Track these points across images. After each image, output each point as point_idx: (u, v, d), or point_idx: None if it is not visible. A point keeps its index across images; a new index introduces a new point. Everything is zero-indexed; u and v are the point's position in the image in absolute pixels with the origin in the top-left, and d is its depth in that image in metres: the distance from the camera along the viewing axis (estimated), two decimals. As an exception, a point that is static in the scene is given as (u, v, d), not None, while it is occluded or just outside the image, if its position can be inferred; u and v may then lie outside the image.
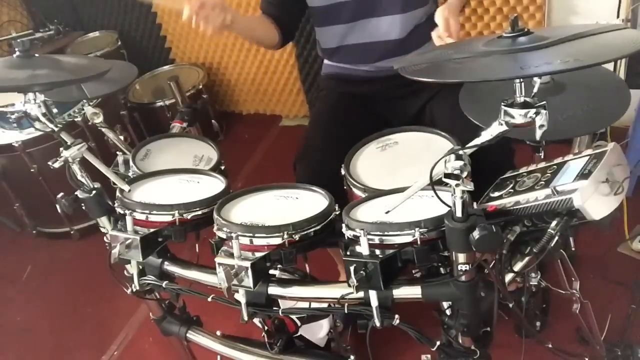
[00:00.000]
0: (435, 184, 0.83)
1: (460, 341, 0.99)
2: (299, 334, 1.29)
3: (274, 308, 1.08)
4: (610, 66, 1.81)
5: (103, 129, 1.37)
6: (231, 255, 0.97)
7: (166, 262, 1.21)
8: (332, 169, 1.22)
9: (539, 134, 0.74)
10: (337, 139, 1.44)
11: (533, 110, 0.73)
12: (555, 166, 0.90)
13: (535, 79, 0.80)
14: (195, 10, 1.21)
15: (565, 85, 1.03)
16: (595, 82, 1.08)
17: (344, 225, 0.98)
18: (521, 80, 0.74)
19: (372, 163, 1.23)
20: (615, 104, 1.01)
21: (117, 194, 1.18)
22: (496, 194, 0.93)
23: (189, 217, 1.11)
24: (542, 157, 1.17)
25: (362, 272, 0.90)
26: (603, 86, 1.07)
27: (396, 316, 0.96)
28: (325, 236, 1.03)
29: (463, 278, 0.90)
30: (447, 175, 0.79)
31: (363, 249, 0.92)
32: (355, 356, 1.17)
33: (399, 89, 1.52)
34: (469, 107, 1.09)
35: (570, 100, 1.01)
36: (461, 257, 0.87)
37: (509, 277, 1.02)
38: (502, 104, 0.76)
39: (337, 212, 1.05)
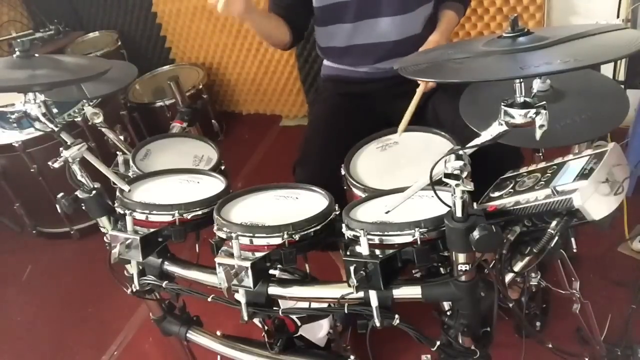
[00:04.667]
0: (435, 184, 0.83)
1: (460, 341, 0.99)
2: (299, 334, 1.29)
3: (274, 308, 1.08)
4: (610, 66, 1.81)
5: (103, 129, 1.37)
6: (231, 255, 0.97)
7: (166, 262, 1.20)
8: (332, 173, 1.22)
9: (538, 133, 0.74)
10: (336, 144, 1.43)
11: (533, 111, 0.73)
12: (555, 166, 0.90)
13: (535, 79, 0.80)
14: None
15: (564, 94, 1.03)
16: (594, 90, 1.08)
17: (344, 225, 0.98)
18: (521, 80, 0.74)
19: (372, 163, 1.23)
20: (613, 111, 1.01)
21: (117, 194, 1.18)
22: (496, 194, 0.93)
23: (189, 217, 1.11)
24: (542, 157, 1.18)
25: (362, 272, 0.90)
26: (601, 94, 1.08)
27: (396, 316, 0.96)
28: (325, 236, 1.03)
29: (463, 278, 0.90)
30: (447, 175, 0.79)
31: (363, 249, 0.91)
32: (355, 356, 1.17)
33: (398, 88, 1.52)
34: (469, 113, 1.09)
35: (568, 108, 1.01)
36: (461, 257, 0.87)
37: (509, 277, 1.02)
38: (502, 104, 0.76)
39: (337, 212, 1.05)
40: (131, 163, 1.34)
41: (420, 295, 0.96)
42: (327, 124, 1.56)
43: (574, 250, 0.96)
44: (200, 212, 1.12)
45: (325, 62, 1.72)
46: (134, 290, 1.23)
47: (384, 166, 1.21)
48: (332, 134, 1.50)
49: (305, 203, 1.11)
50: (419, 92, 1.31)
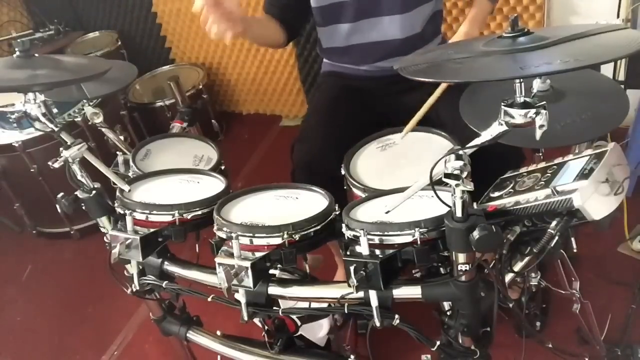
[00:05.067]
0: (435, 184, 0.83)
1: (460, 341, 0.99)
2: (299, 333, 1.29)
3: (274, 308, 1.08)
4: (610, 66, 1.81)
5: (103, 129, 1.37)
6: (231, 255, 0.97)
7: (166, 262, 1.21)
8: (330, 154, 1.22)
9: (538, 133, 0.74)
10: (336, 126, 1.44)
11: (533, 111, 0.73)
12: (555, 166, 0.90)
13: (535, 79, 0.80)
14: (207, 4, 1.08)
15: (564, 94, 1.03)
16: (594, 90, 1.08)
17: (344, 225, 0.98)
18: (521, 80, 0.74)
19: (372, 163, 1.23)
20: (613, 111, 1.01)
21: (117, 194, 1.18)
22: (496, 194, 0.93)
23: (189, 217, 1.11)
24: (542, 157, 1.18)
25: (362, 272, 0.90)
26: (601, 94, 1.08)
27: (396, 316, 0.96)
28: (325, 236, 1.03)
29: (463, 278, 0.90)
30: (447, 175, 0.79)
31: (363, 249, 0.92)
32: (355, 356, 1.17)
33: (398, 86, 1.52)
34: (469, 113, 1.09)
35: (568, 108, 1.01)
36: (461, 257, 0.87)
37: (509, 277, 1.02)
38: (502, 104, 0.76)
39: (337, 212, 1.05)
40: (131, 163, 1.34)
41: (420, 295, 0.96)
42: (328, 109, 1.56)
43: (574, 250, 0.96)
44: (200, 212, 1.12)
45: (325, 60, 1.72)
46: (134, 290, 1.23)
47: (384, 166, 1.21)
48: (332, 118, 1.51)
49: (305, 203, 1.11)
50: (435, 95, 1.28)
